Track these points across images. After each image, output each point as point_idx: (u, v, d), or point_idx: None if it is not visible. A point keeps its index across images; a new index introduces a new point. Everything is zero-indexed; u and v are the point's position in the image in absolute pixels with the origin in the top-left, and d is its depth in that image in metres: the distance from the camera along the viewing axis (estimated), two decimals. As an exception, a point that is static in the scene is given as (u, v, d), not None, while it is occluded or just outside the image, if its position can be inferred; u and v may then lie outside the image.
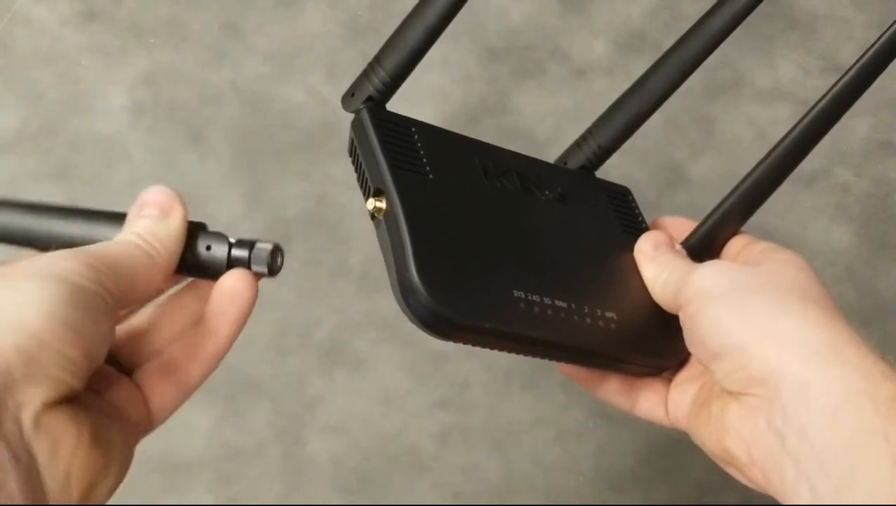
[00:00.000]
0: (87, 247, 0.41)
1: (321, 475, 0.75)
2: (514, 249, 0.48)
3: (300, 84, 0.90)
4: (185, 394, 0.44)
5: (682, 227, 0.55)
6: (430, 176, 0.48)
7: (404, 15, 0.50)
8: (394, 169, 0.46)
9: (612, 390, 0.53)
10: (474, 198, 0.49)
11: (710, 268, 0.48)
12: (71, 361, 0.37)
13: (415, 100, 0.90)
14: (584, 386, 0.53)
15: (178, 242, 0.43)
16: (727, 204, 0.52)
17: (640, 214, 0.57)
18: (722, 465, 0.48)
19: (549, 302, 0.47)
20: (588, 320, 0.48)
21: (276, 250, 0.43)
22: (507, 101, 0.91)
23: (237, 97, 0.89)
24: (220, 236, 0.43)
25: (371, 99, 0.49)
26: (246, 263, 0.43)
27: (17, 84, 0.88)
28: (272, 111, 0.89)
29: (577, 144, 0.57)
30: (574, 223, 0.53)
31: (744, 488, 0.76)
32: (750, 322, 0.45)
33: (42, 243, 0.43)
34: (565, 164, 0.57)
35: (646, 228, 0.55)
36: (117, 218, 0.43)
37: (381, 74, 0.48)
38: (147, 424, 0.43)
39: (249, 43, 0.92)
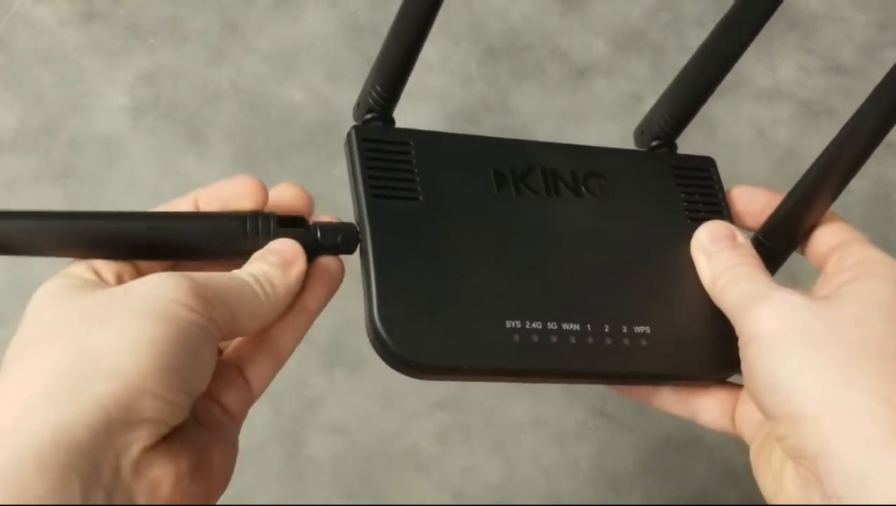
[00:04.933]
0: (195, 274, 0.39)
1: (321, 475, 0.75)
2: (515, 272, 0.45)
3: (300, 84, 0.90)
4: (280, 365, 0.44)
5: (762, 201, 0.48)
6: (420, 200, 0.45)
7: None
8: (371, 199, 0.44)
9: (667, 400, 0.47)
10: (474, 218, 0.46)
11: (774, 307, 0.41)
12: (172, 404, 0.37)
13: (416, 100, 0.90)
14: (633, 398, 0.49)
15: (291, 295, 0.42)
16: (811, 177, 0.45)
17: (719, 193, 0.50)
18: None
19: (555, 327, 0.44)
20: (608, 341, 0.44)
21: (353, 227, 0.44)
22: (507, 101, 0.91)
23: (237, 97, 0.89)
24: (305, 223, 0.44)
25: (372, 111, 0.47)
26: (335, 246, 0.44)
27: (17, 84, 0.88)
28: (272, 111, 0.89)
29: (650, 115, 0.51)
30: (613, 222, 0.48)
31: (744, 489, 0.76)
32: (808, 390, 0.39)
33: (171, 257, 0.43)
34: (642, 133, 0.52)
35: (725, 210, 0.49)
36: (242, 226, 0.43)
37: (377, 88, 0.47)
38: (248, 399, 0.43)
39: (249, 43, 0.92)
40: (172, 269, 0.43)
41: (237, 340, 0.43)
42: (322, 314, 0.89)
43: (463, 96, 0.91)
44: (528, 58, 0.94)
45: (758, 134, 0.91)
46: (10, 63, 0.88)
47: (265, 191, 0.44)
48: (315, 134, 0.88)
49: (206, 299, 0.38)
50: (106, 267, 0.41)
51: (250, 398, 0.43)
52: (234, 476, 0.75)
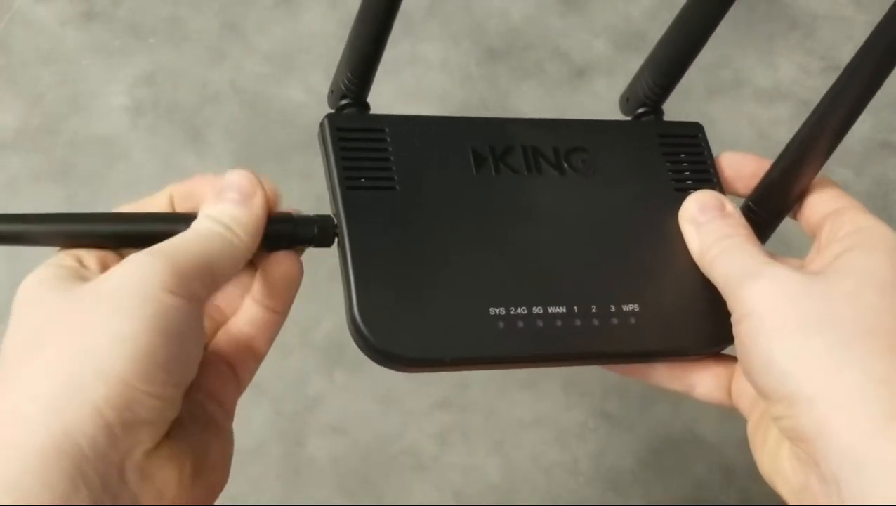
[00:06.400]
0: (169, 245, 0.38)
1: (321, 475, 0.75)
2: (497, 257, 0.44)
3: (300, 84, 0.90)
4: (259, 362, 0.43)
5: (753, 166, 0.47)
6: (397, 188, 0.44)
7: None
8: (346, 191, 0.43)
9: (662, 376, 0.46)
10: (453, 202, 0.45)
11: (768, 284, 0.40)
12: (167, 400, 0.36)
13: (416, 100, 0.90)
14: (628, 375, 0.47)
15: (260, 228, 0.41)
16: (800, 139, 0.44)
17: (707, 159, 0.49)
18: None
19: (540, 311, 0.43)
20: (595, 322, 0.43)
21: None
22: (507, 101, 0.91)
23: (237, 97, 0.89)
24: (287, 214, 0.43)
25: (346, 97, 0.46)
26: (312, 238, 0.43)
27: (17, 84, 0.88)
28: (272, 111, 0.89)
29: (635, 81, 0.50)
30: (598, 198, 0.46)
31: (743, 488, 0.76)
32: (804, 371, 0.38)
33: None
34: (627, 101, 0.51)
35: (714, 177, 0.48)
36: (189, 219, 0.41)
37: (349, 74, 0.46)
38: (238, 391, 0.42)
39: (249, 43, 0.92)
40: None
41: (217, 341, 0.43)
42: (322, 314, 0.89)
43: (463, 96, 0.91)
44: (528, 58, 0.94)
45: (758, 134, 0.91)
46: (10, 63, 0.89)
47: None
48: (315, 134, 0.87)
49: (185, 274, 0.37)
50: (89, 255, 0.40)
51: (240, 390, 0.43)
52: (234, 476, 0.75)
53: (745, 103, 0.93)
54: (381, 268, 0.42)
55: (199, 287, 0.38)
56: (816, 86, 0.93)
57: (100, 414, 0.34)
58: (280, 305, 0.43)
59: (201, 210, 0.41)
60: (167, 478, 0.36)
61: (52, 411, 0.34)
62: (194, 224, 0.40)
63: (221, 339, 0.43)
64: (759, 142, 0.91)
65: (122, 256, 0.41)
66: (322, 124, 0.45)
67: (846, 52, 0.97)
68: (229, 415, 0.42)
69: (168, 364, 0.36)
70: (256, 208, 0.41)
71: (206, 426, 0.40)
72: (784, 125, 0.92)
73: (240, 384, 0.43)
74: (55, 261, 0.40)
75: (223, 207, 0.40)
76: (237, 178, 0.41)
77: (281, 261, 0.43)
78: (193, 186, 0.43)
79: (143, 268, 0.37)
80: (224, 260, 0.39)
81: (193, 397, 0.40)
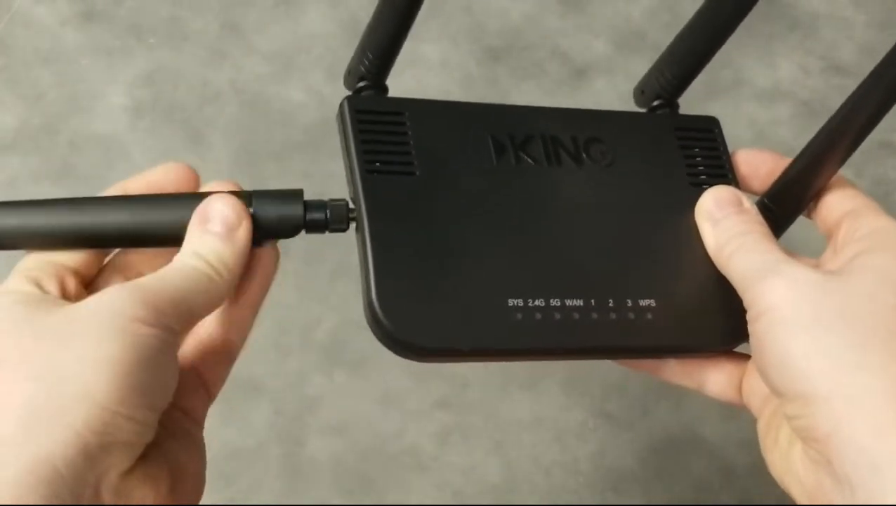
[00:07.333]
0: (147, 281, 0.38)
1: (321, 475, 0.75)
2: (516, 247, 0.43)
3: (300, 84, 0.90)
4: (233, 363, 0.42)
5: (770, 164, 0.46)
6: (417, 174, 0.43)
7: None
8: (366, 174, 0.43)
9: (673, 372, 0.46)
10: (472, 191, 0.44)
11: (786, 283, 0.40)
12: (143, 423, 0.36)
13: (415, 100, 0.90)
14: (639, 370, 0.47)
15: (243, 262, 0.40)
16: (820, 139, 0.44)
17: (723, 155, 0.48)
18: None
19: (558, 304, 0.42)
20: (612, 316, 0.43)
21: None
22: (507, 102, 0.91)
23: (237, 97, 0.89)
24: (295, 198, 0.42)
25: (364, 79, 0.45)
26: (324, 224, 0.42)
27: (17, 84, 0.88)
28: (272, 111, 0.89)
29: (651, 73, 0.50)
30: (615, 190, 0.46)
31: (743, 488, 0.76)
32: (820, 370, 0.38)
33: (110, 242, 0.41)
34: (643, 92, 0.50)
35: (730, 173, 0.48)
36: (187, 202, 0.40)
37: (369, 54, 0.44)
38: (207, 401, 0.41)
39: (249, 43, 0.92)
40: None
41: (189, 346, 0.42)
42: (322, 315, 0.88)
43: (463, 96, 0.91)
44: (528, 58, 0.94)
45: (758, 134, 0.91)
46: (10, 63, 0.89)
47: (197, 179, 0.42)
48: (315, 134, 0.88)
49: (162, 309, 0.37)
50: (47, 277, 0.39)
51: (209, 400, 0.42)
52: (234, 476, 0.76)
53: (745, 103, 0.93)
54: (400, 255, 0.42)
55: (174, 322, 0.37)
56: (816, 86, 0.93)
57: (79, 437, 0.34)
58: (251, 299, 0.42)
59: (185, 240, 0.40)
60: (143, 497, 0.36)
61: (29, 434, 0.34)
62: (176, 259, 0.39)
63: (189, 345, 0.42)
64: (758, 142, 0.90)
65: (81, 279, 0.40)
66: (341, 106, 0.44)
67: (846, 52, 0.97)
68: (199, 424, 0.41)
69: (145, 389, 0.35)
70: (241, 243, 0.40)
71: (180, 441, 0.39)
72: (784, 125, 0.92)
73: (209, 392, 0.42)
74: (8, 287, 0.39)
75: (206, 242, 0.39)
76: (221, 207, 0.40)
77: (255, 254, 0.42)
78: (155, 181, 0.43)
79: (121, 300, 0.36)
80: (204, 298, 0.39)
81: (167, 412, 0.39)
